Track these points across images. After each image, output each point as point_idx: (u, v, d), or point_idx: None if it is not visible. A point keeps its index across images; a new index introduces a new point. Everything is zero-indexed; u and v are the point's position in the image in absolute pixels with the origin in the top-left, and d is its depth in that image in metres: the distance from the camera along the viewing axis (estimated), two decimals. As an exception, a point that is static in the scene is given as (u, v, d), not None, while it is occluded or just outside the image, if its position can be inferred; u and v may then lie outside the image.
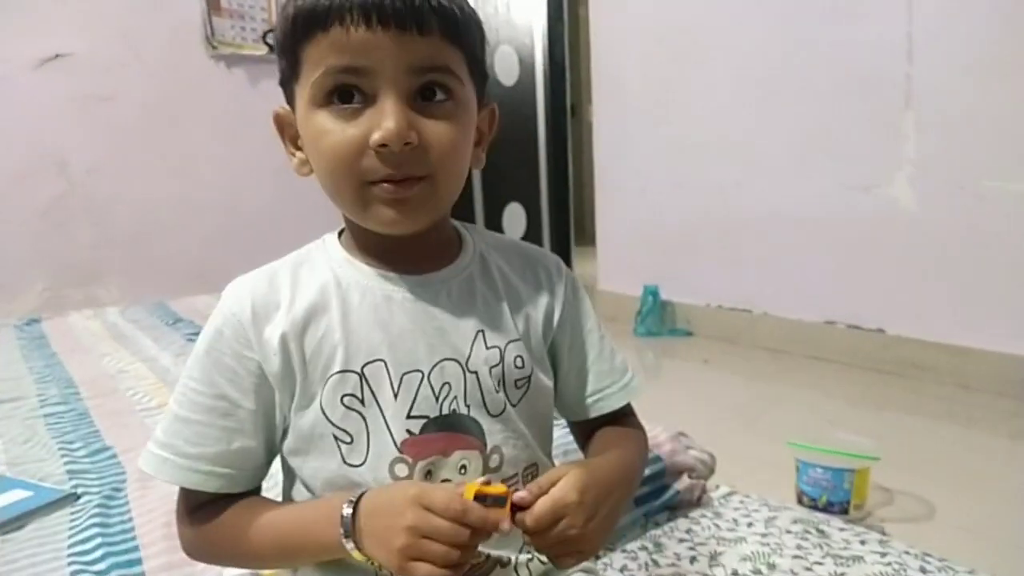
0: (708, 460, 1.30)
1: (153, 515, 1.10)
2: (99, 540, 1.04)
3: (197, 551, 0.71)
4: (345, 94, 0.62)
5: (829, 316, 2.66)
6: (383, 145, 0.60)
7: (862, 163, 2.51)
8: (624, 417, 0.81)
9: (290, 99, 0.68)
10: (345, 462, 0.66)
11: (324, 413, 0.66)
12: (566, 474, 0.63)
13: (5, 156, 3.14)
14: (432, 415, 0.66)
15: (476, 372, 0.69)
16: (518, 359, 0.72)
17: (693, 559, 1.08)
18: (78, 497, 1.19)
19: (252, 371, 0.66)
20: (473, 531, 0.58)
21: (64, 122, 3.25)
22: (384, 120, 0.60)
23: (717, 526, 1.17)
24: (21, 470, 1.31)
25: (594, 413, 0.79)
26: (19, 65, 3.13)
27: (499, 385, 0.70)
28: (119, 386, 1.78)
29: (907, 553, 1.05)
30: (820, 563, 1.05)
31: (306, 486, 0.70)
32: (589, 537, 0.62)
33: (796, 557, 1.07)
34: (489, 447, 0.69)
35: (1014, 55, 2.12)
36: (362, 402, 0.66)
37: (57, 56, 3.20)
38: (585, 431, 0.81)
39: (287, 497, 0.73)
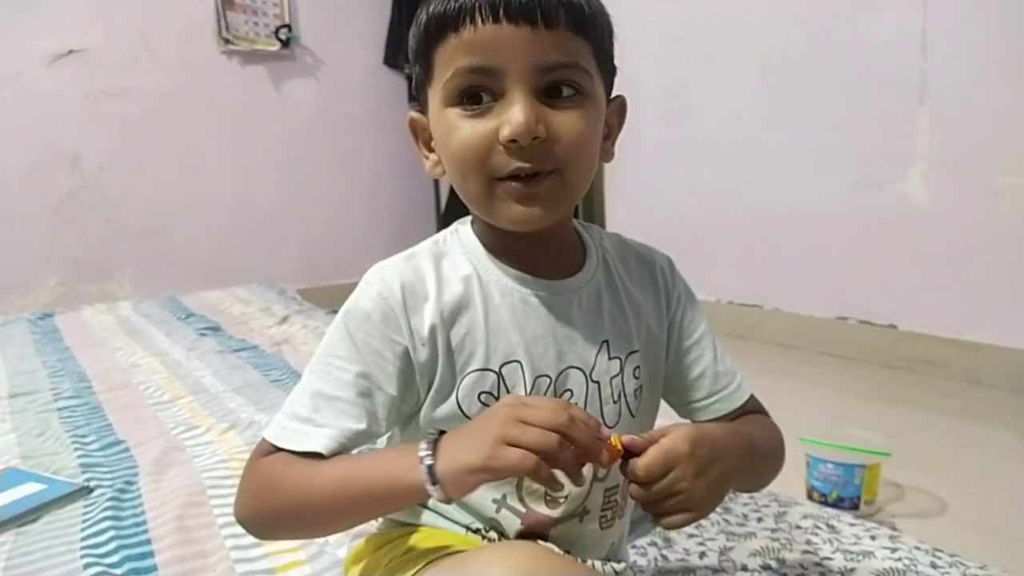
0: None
1: (165, 508, 1.11)
2: (112, 533, 1.05)
3: (256, 496, 0.67)
4: (474, 96, 0.62)
5: (841, 312, 2.64)
6: (512, 140, 0.60)
7: (876, 159, 2.49)
8: (745, 414, 0.81)
9: (424, 104, 0.69)
10: None
11: (460, 407, 0.67)
12: (677, 428, 0.63)
13: (19, 151, 3.16)
14: None
15: (598, 383, 0.71)
16: (636, 370, 0.74)
17: (703, 554, 1.08)
18: (91, 490, 1.20)
19: (399, 356, 0.66)
20: (571, 440, 0.56)
21: (77, 118, 3.27)
22: (512, 115, 0.60)
23: (727, 521, 1.17)
24: (35, 463, 1.33)
25: (711, 415, 0.79)
26: (33, 61, 3.16)
27: (618, 397, 0.72)
28: (132, 380, 1.80)
29: (918, 548, 1.05)
30: (830, 558, 1.05)
31: None
32: (698, 496, 0.61)
33: (806, 552, 1.07)
34: None
35: (1029, 49, 2.09)
36: (497, 400, 0.67)
37: (71, 52, 3.22)
38: None
39: None
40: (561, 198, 0.65)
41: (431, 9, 0.63)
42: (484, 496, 0.70)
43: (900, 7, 2.36)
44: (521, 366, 0.67)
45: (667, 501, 0.60)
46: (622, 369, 0.72)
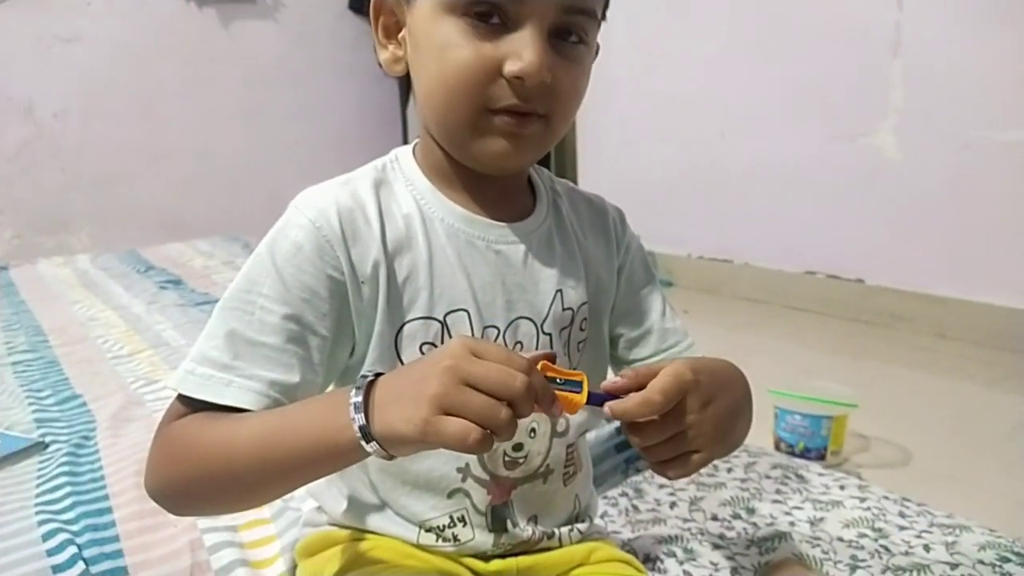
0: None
1: (124, 464, 1.08)
2: (68, 489, 1.01)
3: (167, 464, 0.58)
4: (485, 12, 0.56)
5: (809, 266, 2.65)
6: (518, 78, 0.56)
7: (848, 113, 2.47)
8: None
9: None
10: None
11: (400, 359, 0.62)
12: (670, 361, 0.55)
13: (-33, 99, 3.03)
14: None
15: (550, 335, 0.67)
16: (584, 322, 0.70)
17: (673, 504, 1.07)
18: (46, 446, 1.17)
19: (335, 294, 0.59)
20: (518, 414, 0.47)
21: (30, 64, 3.14)
22: (525, 52, 0.56)
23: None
24: (-13, 418, 1.28)
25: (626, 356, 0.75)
26: (-22, 2, 3.01)
27: (565, 348, 0.68)
28: (89, 334, 1.74)
29: (886, 498, 1.06)
30: (799, 508, 1.05)
31: None
32: (708, 432, 0.54)
33: (775, 502, 1.07)
34: None
35: (1004, 5, 2.08)
36: None
37: (19, -8, 3.07)
38: None
39: None
40: (541, 144, 0.62)
41: None
42: (447, 467, 0.65)
43: (876, -43, 2.32)
44: (468, 315, 0.63)
45: (675, 442, 0.53)
46: (572, 321, 0.68)
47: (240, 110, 3.64)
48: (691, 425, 0.53)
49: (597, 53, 0.68)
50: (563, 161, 5.03)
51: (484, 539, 0.67)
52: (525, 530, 0.68)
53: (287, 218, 0.61)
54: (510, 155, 0.60)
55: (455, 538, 0.67)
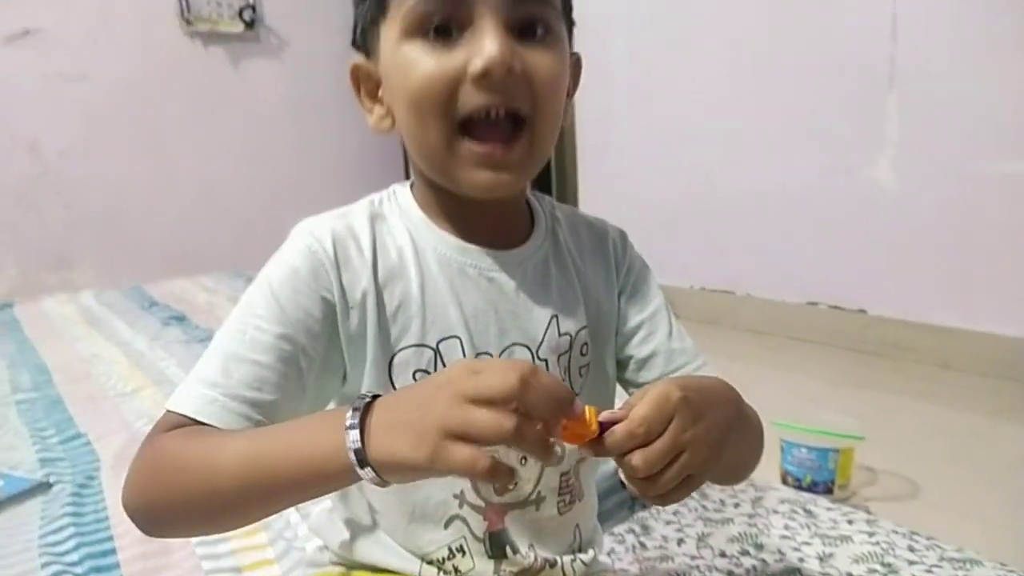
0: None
1: (128, 503, 1.07)
2: (72, 530, 1.01)
3: (146, 478, 0.55)
4: (441, 29, 0.56)
5: (811, 297, 2.65)
6: (484, 75, 0.54)
7: (844, 144, 2.49)
8: None
9: (371, 46, 0.63)
10: None
11: (393, 385, 0.62)
12: (656, 383, 0.52)
13: (-27, 137, 3.06)
14: None
15: (546, 360, 0.66)
16: (584, 347, 0.69)
17: (681, 541, 1.06)
18: (50, 486, 1.16)
19: (327, 316, 0.60)
20: (529, 411, 0.45)
21: (35, 101, 3.17)
22: (485, 46, 0.54)
23: (704, 507, 1.16)
24: (-9, 458, 1.28)
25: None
26: (-14, 42, 3.05)
27: (565, 374, 0.68)
28: (93, 371, 1.74)
29: (895, 532, 1.05)
30: (808, 543, 1.04)
31: None
32: (701, 452, 0.50)
33: (784, 537, 1.06)
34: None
35: (998, 37, 2.11)
36: None
37: (27, 32, 3.11)
38: None
39: None
40: (529, 161, 0.61)
41: None
42: (443, 494, 0.65)
43: (871, -8, 2.36)
44: (461, 342, 0.62)
45: (668, 469, 0.50)
46: (571, 346, 0.68)
47: (244, 147, 3.67)
48: (684, 447, 0.50)
49: (580, 66, 0.68)
50: (564, 191, 5.05)
51: (485, 567, 0.67)
52: (527, 556, 0.67)
53: (286, 245, 0.63)
54: (498, 184, 0.59)
55: (456, 570, 0.66)
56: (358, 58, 0.66)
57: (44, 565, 0.92)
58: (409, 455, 0.45)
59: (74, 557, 0.94)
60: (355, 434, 0.47)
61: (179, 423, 0.56)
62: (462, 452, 0.44)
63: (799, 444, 1.45)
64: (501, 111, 0.57)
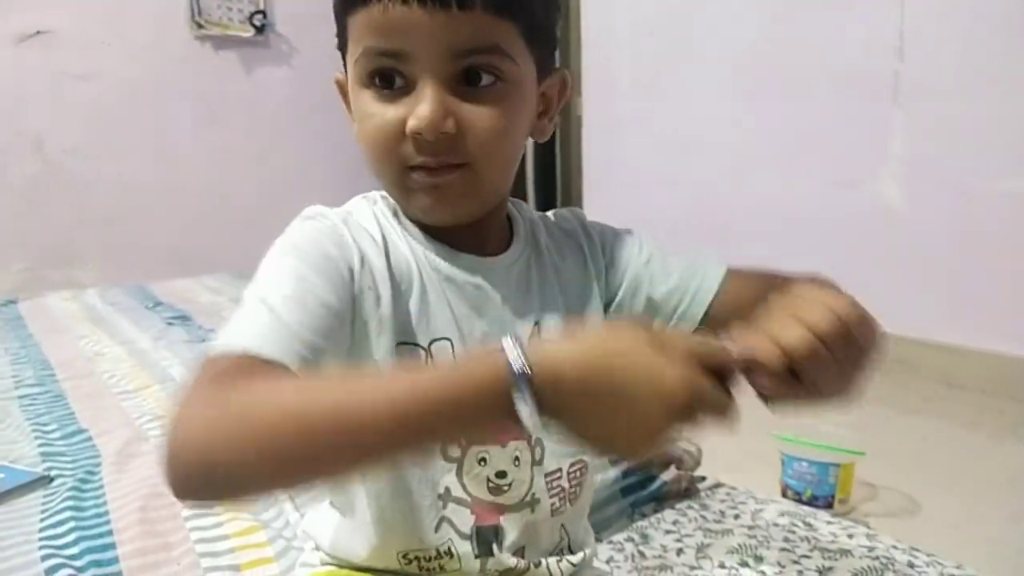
0: (695, 452, 1.29)
1: (128, 499, 1.07)
2: (72, 524, 1.01)
3: (216, 429, 0.46)
4: (386, 77, 0.59)
5: (814, 312, 2.66)
6: (418, 133, 0.57)
7: (849, 160, 2.50)
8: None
9: (345, 68, 0.66)
10: None
11: None
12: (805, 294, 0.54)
13: (-18, 134, 3.08)
14: None
15: None
16: None
17: (680, 551, 1.06)
18: (51, 480, 1.16)
19: (348, 285, 0.59)
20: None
21: (43, 100, 3.19)
22: (419, 108, 0.57)
23: (704, 518, 1.16)
24: (-8, 452, 1.28)
25: (702, 307, 0.71)
26: (-2, 40, 3.07)
27: None
28: (96, 368, 1.74)
29: (895, 547, 1.05)
30: (807, 556, 1.04)
31: None
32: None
33: (783, 550, 1.06)
34: (533, 438, 0.67)
35: (1003, 54, 2.11)
36: None
37: (38, 32, 3.13)
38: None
39: None
40: (472, 193, 0.62)
41: None
42: (430, 497, 0.65)
43: (877, 8, 2.37)
44: (451, 344, 0.64)
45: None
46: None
47: (250, 150, 3.68)
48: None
49: (566, 84, 0.68)
50: (569, 203, 5.06)
51: (471, 565, 0.67)
52: (511, 558, 0.68)
53: (299, 222, 0.64)
54: (436, 209, 0.62)
55: (441, 568, 0.67)
56: (340, 73, 0.68)
57: (44, 557, 0.92)
58: (634, 445, 0.47)
59: (74, 550, 0.94)
60: (525, 395, 0.44)
61: (233, 366, 0.50)
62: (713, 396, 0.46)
63: (800, 458, 1.45)
64: (435, 165, 0.59)
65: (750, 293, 0.68)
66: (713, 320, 0.71)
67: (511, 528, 0.68)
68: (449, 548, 0.67)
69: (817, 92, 2.57)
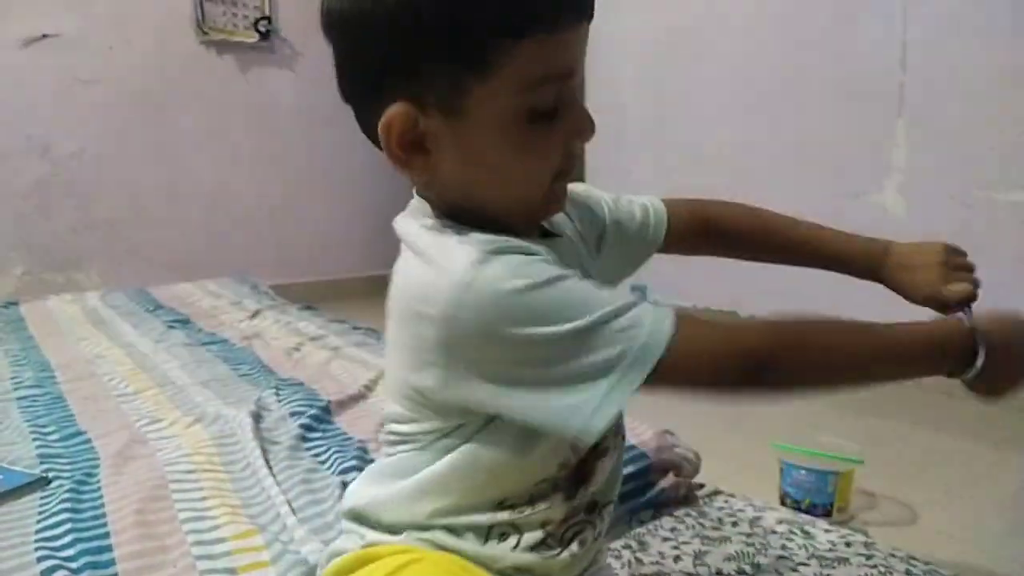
0: (693, 459, 1.29)
1: (126, 501, 1.07)
2: (69, 526, 1.01)
3: (795, 346, 0.66)
4: (549, 112, 0.59)
5: (815, 321, 2.66)
6: (585, 141, 0.63)
7: (852, 170, 2.50)
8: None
9: (449, 103, 0.57)
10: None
11: None
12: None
13: (-13, 136, 3.09)
14: None
15: None
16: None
17: (677, 558, 1.06)
18: (49, 481, 1.16)
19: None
20: None
21: (49, 104, 3.21)
22: (585, 119, 0.62)
23: (701, 525, 1.15)
24: (-9, 453, 1.28)
25: (661, 230, 0.89)
26: (5, 44, 3.09)
27: None
28: (96, 371, 1.75)
29: (893, 556, 1.04)
30: (805, 564, 1.04)
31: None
32: None
33: (781, 558, 1.06)
34: None
35: (1007, 65, 2.12)
36: None
37: (44, 37, 3.15)
38: (683, 241, 0.94)
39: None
40: None
41: None
42: (554, 460, 0.67)
43: (880, 19, 2.38)
44: None
45: None
46: None
47: (254, 156, 3.70)
48: None
49: None
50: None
51: (559, 505, 0.68)
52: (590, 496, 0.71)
53: (537, 289, 0.56)
54: (563, 206, 0.68)
55: (532, 509, 0.67)
56: (398, 107, 0.59)
57: (40, 559, 0.92)
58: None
59: (71, 552, 0.94)
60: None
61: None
62: None
63: (799, 466, 1.45)
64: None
65: (679, 209, 0.93)
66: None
67: (600, 471, 0.71)
68: (545, 493, 0.68)
69: (821, 103, 2.57)
